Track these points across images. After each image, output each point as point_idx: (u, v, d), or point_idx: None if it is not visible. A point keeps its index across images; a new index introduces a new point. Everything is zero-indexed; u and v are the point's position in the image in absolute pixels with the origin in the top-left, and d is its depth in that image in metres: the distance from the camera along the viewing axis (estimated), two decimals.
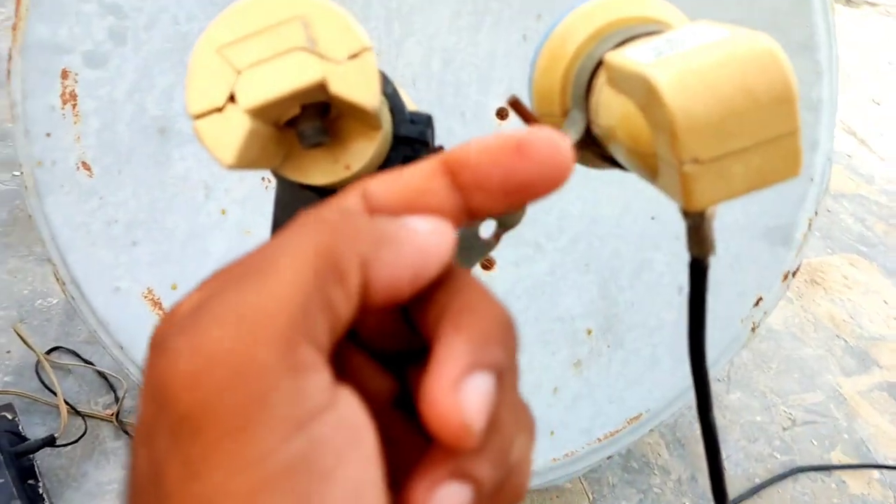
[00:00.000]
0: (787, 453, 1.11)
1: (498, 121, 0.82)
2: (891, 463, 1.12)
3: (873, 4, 3.43)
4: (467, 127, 0.81)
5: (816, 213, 0.80)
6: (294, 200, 0.32)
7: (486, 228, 0.28)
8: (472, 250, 0.28)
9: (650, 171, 0.26)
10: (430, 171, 0.19)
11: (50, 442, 0.82)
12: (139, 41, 0.77)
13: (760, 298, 0.80)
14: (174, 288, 0.81)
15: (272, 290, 0.15)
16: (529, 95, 0.34)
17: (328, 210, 0.18)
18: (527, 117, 0.30)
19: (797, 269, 0.81)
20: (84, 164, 0.78)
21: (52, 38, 0.76)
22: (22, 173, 0.79)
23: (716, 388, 1.22)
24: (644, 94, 0.23)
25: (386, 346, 0.20)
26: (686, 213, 0.26)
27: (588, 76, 0.30)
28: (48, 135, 0.78)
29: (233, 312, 0.15)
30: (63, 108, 0.77)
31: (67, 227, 0.79)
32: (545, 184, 0.19)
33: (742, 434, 1.13)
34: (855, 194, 1.97)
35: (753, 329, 0.81)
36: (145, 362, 0.16)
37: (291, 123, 0.26)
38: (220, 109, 0.24)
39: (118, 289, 0.80)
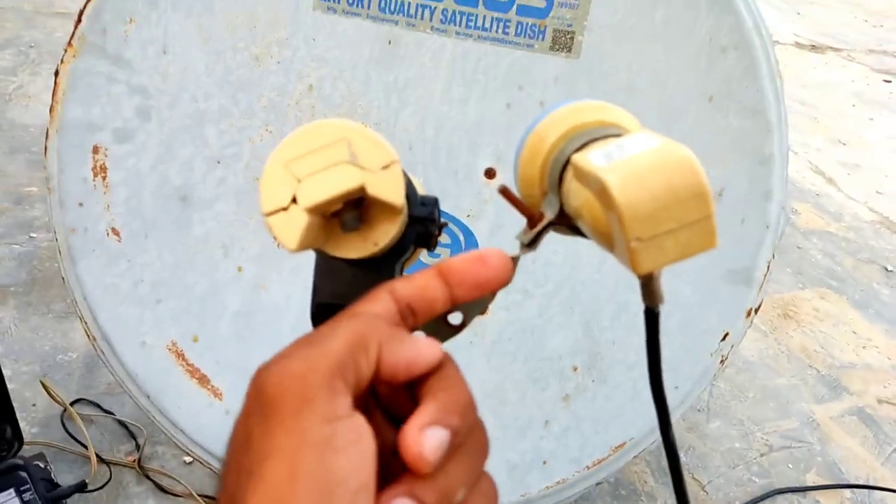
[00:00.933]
0: (764, 477, 1.18)
1: (486, 179, 0.90)
2: (862, 482, 1.20)
3: (837, 50, 3.60)
4: (459, 185, 0.90)
5: (774, 255, 0.89)
6: (331, 269, 0.40)
7: (454, 318, 0.37)
8: (474, 303, 0.36)
9: (608, 243, 0.34)
10: (430, 275, 0.30)
11: (82, 488, 0.88)
12: (162, 118, 0.86)
13: (727, 333, 0.89)
14: (195, 340, 0.89)
15: (325, 350, 0.26)
16: (515, 179, 0.42)
17: (365, 309, 0.29)
18: (513, 201, 0.39)
19: (759, 305, 0.89)
20: (113, 230, 0.86)
21: (85, 117, 0.84)
22: (56, 240, 0.87)
23: (696, 417, 1.30)
24: (599, 189, 0.32)
25: (399, 412, 0.30)
26: (637, 276, 0.34)
27: (560, 168, 0.38)
28: (80, 204, 0.86)
29: (303, 357, 0.26)
30: (94, 180, 0.86)
31: (98, 287, 0.86)
32: (498, 281, 0.31)
33: (722, 460, 1.20)
34: (824, 231, 2.07)
35: (722, 362, 0.89)
36: (252, 379, 0.26)
37: (334, 214, 0.35)
38: (285, 209, 0.32)
39: (144, 343, 0.87)
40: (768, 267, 0.89)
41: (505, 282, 0.31)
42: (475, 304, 0.36)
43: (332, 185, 0.32)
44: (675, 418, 0.93)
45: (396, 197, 0.33)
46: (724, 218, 0.87)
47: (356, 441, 0.25)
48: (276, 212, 0.32)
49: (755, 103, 0.88)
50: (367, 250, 0.35)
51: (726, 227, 0.87)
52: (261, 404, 0.25)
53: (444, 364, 0.29)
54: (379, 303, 0.30)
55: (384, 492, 0.25)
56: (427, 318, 0.31)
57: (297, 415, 0.24)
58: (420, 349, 0.28)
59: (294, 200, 0.31)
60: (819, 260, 1.90)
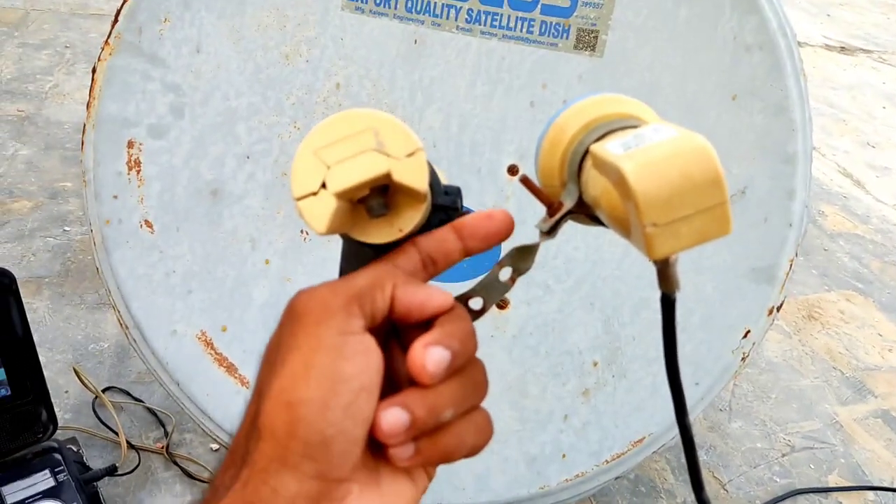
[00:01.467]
0: (786, 477, 1.18)
1: (508, 176, 0.91)
2: (886, 485, 1.19)
3: (867, 52, 3.56)
4: (482, 182, 0.91)
5: (797, 254, 0.90)
6: (357, 254, 0.41)
7: (504, 273, 0.38)
8: (494, 289, 0.38)
9: (625, 230, 0.35)
10: (447, 230, 0.36)
11: (112, 471, 0.91)
12: (195, 115, 0.88)
13: (749, 331, 0.89)
14: (224, 330, 0.91)
15: (347, 283, 0.32)
16: (536, 170, 0.43)
17: (392, 258, 0.35)
18: (534, 190, 0.40)
19: (781, 303, 0.90)
20: (146, 222, 0.89)
21: (120, 113, 0.87)
22: (91, 231, 0.89)
23: (718, 417, 1.30)
24: (617, 177, 0.33)
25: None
26: (654, 261, 0.35)
27: (580, 159, 0.39)
28: (115, 197, 0.89)
29: (329, 286, 0.32)
30: (129, 174, 0.88)
31: (131, 278, 0.89)
32: (501, 234, 0.36)
33: (743, 460, 1.20)
34: (851, 234, 2.05)
35: (744, 359, 0.90)
36: (288, 301, 0.32)
37: (361, 200, 0.36)
38: (315, 194, 0.33)
39: (175, 332, 0.90)
40: (791, 265, 0.89)
41: (506, 235, 0.36)
42: (493, 292, 0.38)
43: (360, 171, 0.33)
44: (695, 415, 0.93)
45: (421, 183, 0.34)
46: (746, 216, 0.88)
47: (364, 353, 0.30)
48: (307, 196, 0.33)
49: (779, 102, 0.88)
50: (391, 236, 0.37)
51: (749, 226, 0.88)
52: (290, 317, 0.31)
53: (453, 310, 0.33)
54: (405, 253, 0.35)
55: (383, 401, 0.30)
56: (446, 267, 0.36)
57: (317, 324, 0.30)
58: (431, 294, 0.33)
59: (323, 186, 0.33)
60: (845, 262, 1.89)
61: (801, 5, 3.92)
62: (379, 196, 0.35)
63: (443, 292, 0.33)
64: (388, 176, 0.33)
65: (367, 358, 0.30)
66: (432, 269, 0.35)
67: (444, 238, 0.35)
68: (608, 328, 0.91)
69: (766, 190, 0.88)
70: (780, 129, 0.88)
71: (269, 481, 0.28)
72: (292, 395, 0.28)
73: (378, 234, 0.37)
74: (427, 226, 0.39)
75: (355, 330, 0.30)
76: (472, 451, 0.33)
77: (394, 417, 0.29)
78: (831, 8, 4.06)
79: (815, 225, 2.04)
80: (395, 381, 0.33)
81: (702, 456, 1.21)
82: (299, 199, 0.33)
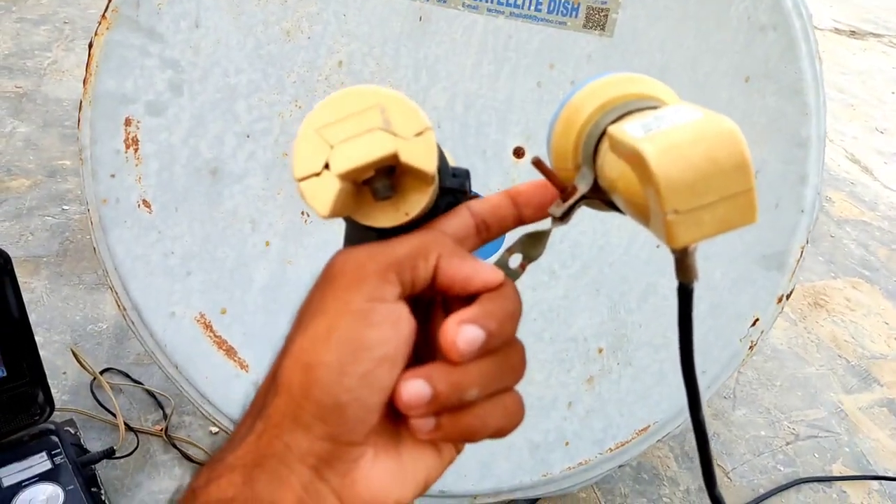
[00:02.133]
0: (790, 466, 1.17)
1: (514, 159, 0.90)
2: (891, 475, 1.18)
3: (878, 36, 3.51)
4: (487, 164, 0.89)
5: (808, 241, 0.88)
6: (361, 238, 0.40)
7: (514, 260, 0.36)
8: (505, 276, 0.36)
9: (643, 217, 0.33)
10: (502, 196, 0.35)
11: (110, 454, 0.90)
12: (194, 92, 0.86)
13: (757, 319, 0.87)
14: (223, 312, 0.90)
15: (388, 249, 0.31)
16: (548, 153, 0.41)
17: (442, 224, 0.34)
18: (547, 173, 0.38)
19: (791, 291, 0.88)
20: (144, 201, 0.87)
21: (118, 89, 0.85)
22: (88, 210, 0.88)
23: (722, 404, 1.29)
24: (637, 161, 0.31)
25: None
26: (672, 250, 0.34)
27: (595, 141, 0.37)
28: (112, 175, 0.87)
29: (369, 250, 0.31)
30: (126, 152, 0.86)
31: (129, 258, 0.88)
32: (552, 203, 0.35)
33: (747, 448, 1.19)
34: (858, 220, 2.03)
35: (752, 347, 0.88)
36: (328, 260, 0.31)
37: (366, 182, 0.34)
38: (318, 174, 0.32)
39: (173, 314, 0.88)
40: (802, 252, 0.88)
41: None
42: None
43: (365, 151, 0.32)
44: (702, 402, 0.92)
45: (429, 165, 0.32)
46: (758, 201, 0.86)
47: (393, 322, 0.29)
48: (309, 177, 0.32)
49: (793, 84, 0.86)
50: (397, 219, 0.35)
51: (760, 211, 0.86)
52: (325, 278, 0.31)
53: (502, 287, 0.32)
54: (458, 217, 0.34)
55: (408, 371, 0.29)
56: (499, 233, 0.35)
57: (347, 289, 0.29)
58: (478, 268, 0.31)
59: (327, 166, 0.31)
60: (852, 249, 1.87)
61: None
62: (385, 178, 0.34)
63: (492, 268, 0.32)
64: (395, 157, 0.32)
65: (395, 327, 0.29)
66: (486, 234, 0.35)
67: (499, 203, 0.35)
68: (614, 314, 0.89)
69: (779, 174, 0.86)
70: (794, 112, 0.86)
71: (283, 437, 0.28)
72: (311, 356, 0.28)
73: (383, 217, 0.35)
74: (434, 209, 0.37)
75: (387, 297, 0.29)
76: (498, 434, 0.31)
77: (415, 389, 0.29)
78: None
79: (823, 211, 2.02)
80: (435, 352, 0.32)
81: None
82: (301, 179, 0.32)
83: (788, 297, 0.88)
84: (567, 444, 0.90)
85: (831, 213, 2.03)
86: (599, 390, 0.90)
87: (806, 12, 0.84)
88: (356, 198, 0.35)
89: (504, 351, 0.31)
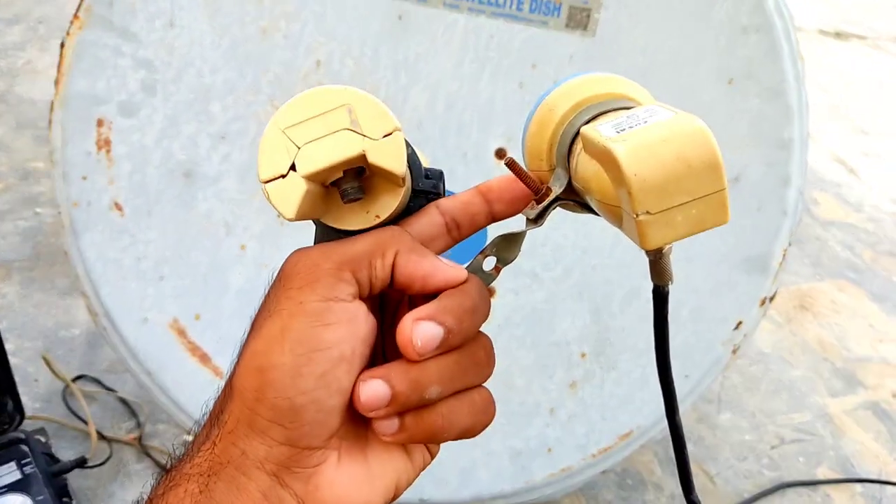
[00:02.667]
0: (774, 470, 1.16)
1: (496, 160, 0.88)
2: (874, 477, 1.17)
3: (862, 38, 3.54)
4: (468, 166, 0.88)
5: (790, 243, 0.87)
6: (331, 241, 0.39)
7: (488, 263, 0.35)
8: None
9: (616, 218, 0.32)
10: (472, 193, 0.34)
11: (81, 463, 0.88)
12: (168, 92, 0.84)
13: (740, 322, 0.86)
14: (197, 318, 0.88)
15: (344, 247, 0.30)
16: (522, 152, 0.40)
17: (409, 223, 0.33)
18: (520, 175, 0.37)
19: (774, 294, 0.87)
20: (117, 204, 0.85)
21: (90, 90, 0.83)
22: (59, 213, 0.86)
23: (707, 408, 1.28)
24: (608, 161, 0.30)
25: None
26: (647, 252, 0.32)
27: (569, 141, 0.36)
28: (84, 178, 0.85)
29: (324, 249, 0.30)
30: (98, 154, 0.84)
31: (100, 262, 0.85)
32: (531, 198, 0.34)
33: (731, 453, 1.18)
34: (844, 222, 2.03)
35: (734, 351, 0.87)
36: (282, 264, 0.30)
37: (334, 183, 0.33)
38: (283, 176, 0.31)
39: (146, 319, 0.86)
40: (784, 255, 0.87)
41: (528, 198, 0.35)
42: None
43: (332, 152, 0.31)
44: (684, 408, 0.91)
45: (398, 166, 0.31)
46: (740, 204, 0.85)
47: (349, 322, 0.28)
48: (274, 179, 0.31)
49: (776, 86, 0.85)
50: (367, 222, 0.34)
51: (742, 213, 0.85)
52: (279, 278, 0.30)
53: (466, 284, 0.31)
54: (427, 216, 0.33)
55: (365, 371, 0.29)
56: (471, 232, 0.34)
57: (301, 289, 0.28)
58: (439, 266, 0.31)
59: (293, 168, 0.31)
60: (838, 251, 1.87)
61: None
62: (353, 179, 0.33)
63: (454, 267, 0.31)
64: (362, 157, 0.31)
65: (351, 326, 0.28)
66: (457, 233, 0.34)
67: (469, 201, 0.34)
68: (597, 318, 0.88)
69: (761, 176, 0.85)
70: (776, 113, 0.85)
71: (239, 443, 0.27)
72: (264, 359, 0.27)
73: (353, 220, 0.35)
74: (407, 212, 0.37)
75: (342, 296, 0.29)
76: (467, 434, 0.31)
77: (373, 390, 0.28)
78: None
79: (808, 213, 2.02)
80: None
81: (689, 448, 1.19)
82: (266, 181, 0.31)
83: (771, 299, 0.87)
84: (549, 450, 0.88)
85: (817, 214, 2.03)
86: (582, 395, 0.89)
87: (787, 13, 0.83)
88: (325, 200, 0.34)
89: (468, 347, 0.30)
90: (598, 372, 0.89)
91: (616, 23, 0.82)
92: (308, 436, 0.27)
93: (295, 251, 0.31)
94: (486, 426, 0.31)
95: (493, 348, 0.32)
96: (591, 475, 0.88)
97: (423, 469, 0.32)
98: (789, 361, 1.43)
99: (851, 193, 2.17)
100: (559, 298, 0.88)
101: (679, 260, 0.87)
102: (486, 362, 0.31)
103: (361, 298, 0.30)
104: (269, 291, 0.30)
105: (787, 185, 0.85)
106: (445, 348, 0.29)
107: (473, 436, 0.31)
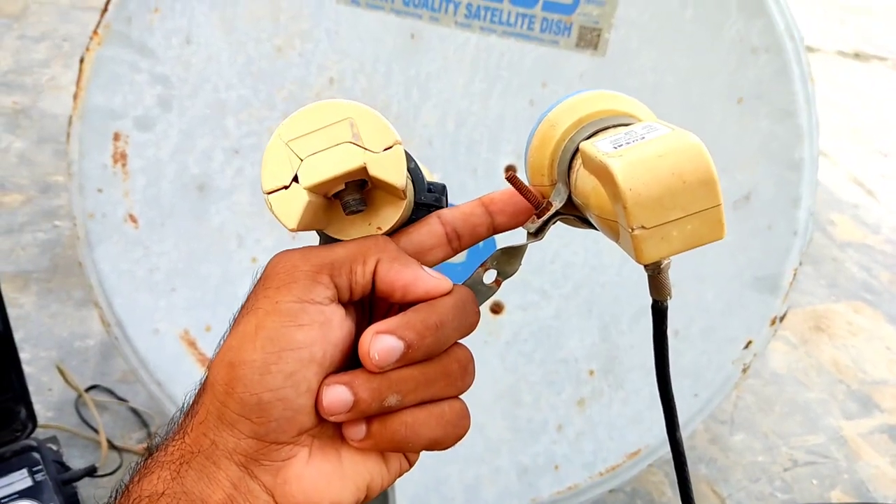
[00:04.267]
0: (787, 492, 1.15)
1: (505, 177, 0.89)
2: (890, 502, 1.15)
3: (882, 59, 3.51)
4: (478, 182, 0.89)
5: (801, 262, 0.87)
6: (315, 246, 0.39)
7: (489, 276, 0.35)
8: (477, 293, 0.35)
9: (614, 233, 0.33)
10: (474, 204, 0.34)
11: (91, 472, 0.89)
12: (183, 108, 0.86)
13: (750, 342, 0.86)
14: (208, 329, 0.89)
15: (325, 252, 0.31)
16: (524, 167, 0.41)
17: (408, 233, 0.34)
18: (521, 189, 0.37)
19: (784, 314, 0.87)
20: (131, 216, 0.86)
21: (107, 104, 0.85)
22: (75, 225, 0.87)
23: (719, 429, 1.26)
24: (605, 176, 0.30)
25: None
26: (645, 266, 0.33)
27: (570, 156, 0.37)
28: (100, 190, 0.86)
29: (304, 253, 0.31)
30: (114, 167, 0.86)
31: (114, 273, 0.87)
32: (528, 212, 0.35)
33: (744, 474, 1.17)
34: (861, 244, 2.01)
35: (745, 370, 0.87)
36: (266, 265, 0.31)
37: (336, 196, 0.34)
38: (286, 187, 0.31)
39: (157, 330, 0.87)
40: (794, 275, 0.86)
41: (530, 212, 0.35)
42: (477, 295, 0.35)
43: (334, 164, 0.32)
44: (694, 426, 0.90)
45: (398, 178, 0.32)
46: (750, 223, 0.85)
47: (322, 324, 0.29)
48: (277, 190, 0.32)
49: (786, 106, 0.85)
50: (369, 234, 0.35)
51: (752, 233, 0.85)
52: (260, 279, 0.31)
53: (440, 299, 0.31)
54: (427, 226, 0.34)
55: (330, 376, 0.29)
56: (472, 242, 0.34)
57: (278, 289, 0.29)
58: (421, 276, 0.31)
59: (296, 180, 0.31)
60: (855, 273, 1.85)
61: (814, 11, 3.89)
62: (355, 192, 0.34)
63: (438, 278, 0.31)
64: (363, 170, 0.32)
65: (324, 329, 0.29)
66: (457, 243, 0.34)
67: (470, 212, 0.34)
68: (606, 336, 0.88)
69: (771, 196, 0.85)
70: (787, 134, 0.85)
71: (209, 434, 0.28)
72: (236, 355, 0.28)
73: (354, 232, 0.35)
74: (408, 224, 0.37)
75: (318, 299, 0.29)
76: (437, 445, 0.31)
77: (335, 395, 0.29)
78: (845, 14, 4.02)
79: (825, 234, 2.00)
80: None
81: (702, 469, 1.18)
82: (269, 192, 0.32)
83: (782, 319, 0.87)
84: (556, 467, 0.88)
85: (834, 235, 2.01)
86: (590, 413, 0.88)
87: (798, 34, 0.83)
88: (328, 212, 0.34)
89: (439, 359, 0.31)
90: (606, 390, 0.88)
91: (626, 42, 0.82)
92: (275, 431, 0.28)
93: (278, 253, 0.32)
94: (459, 439, 0.31)
95: (471, 361, 0.32)
96: (599, 493, 0.88)
97: (400, 475, 0.32)
98: (804, 383, 1.41)
99: (869, 215, 2.15)
100: (568, 315, 0.88)
101: (690, 279, 0.87)
102: (460, 375, 0.31)
103: (342, 303, 0.30)
104: (250, 290, 0.31)
105: (798, 206, 0.85)
106: (406, 361, 0.29)
107: (444, 448, 0.31)
